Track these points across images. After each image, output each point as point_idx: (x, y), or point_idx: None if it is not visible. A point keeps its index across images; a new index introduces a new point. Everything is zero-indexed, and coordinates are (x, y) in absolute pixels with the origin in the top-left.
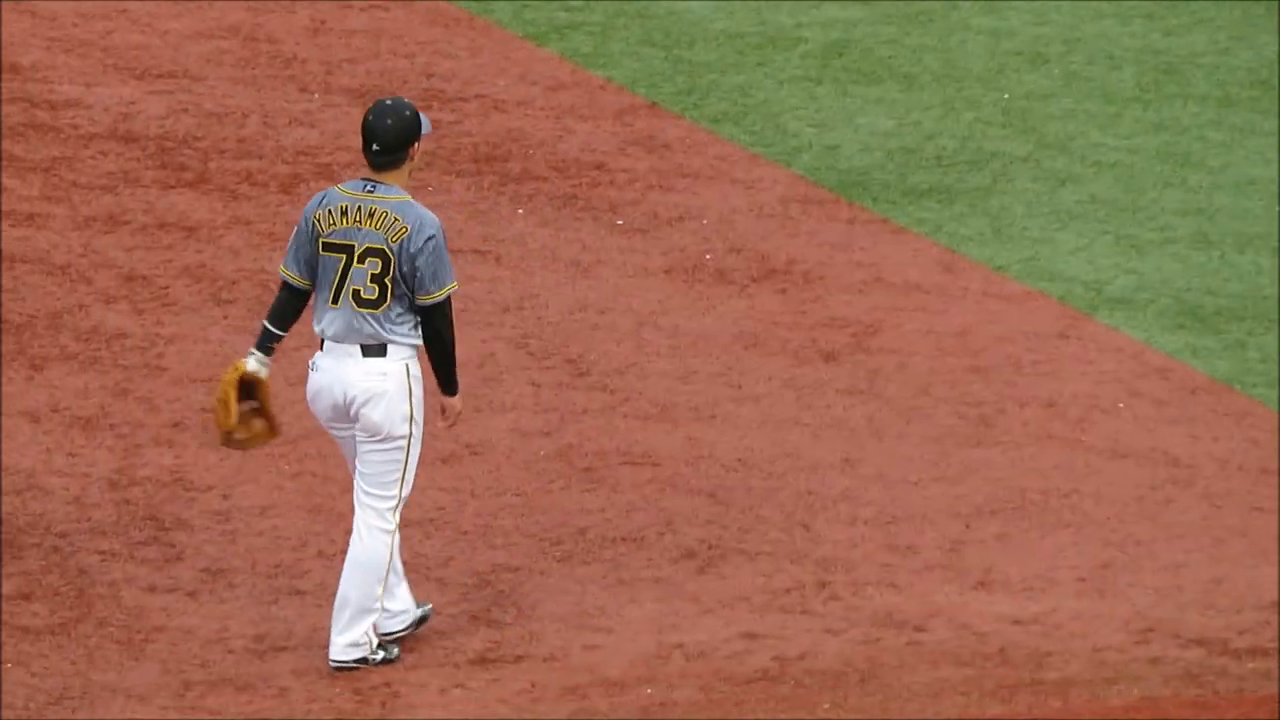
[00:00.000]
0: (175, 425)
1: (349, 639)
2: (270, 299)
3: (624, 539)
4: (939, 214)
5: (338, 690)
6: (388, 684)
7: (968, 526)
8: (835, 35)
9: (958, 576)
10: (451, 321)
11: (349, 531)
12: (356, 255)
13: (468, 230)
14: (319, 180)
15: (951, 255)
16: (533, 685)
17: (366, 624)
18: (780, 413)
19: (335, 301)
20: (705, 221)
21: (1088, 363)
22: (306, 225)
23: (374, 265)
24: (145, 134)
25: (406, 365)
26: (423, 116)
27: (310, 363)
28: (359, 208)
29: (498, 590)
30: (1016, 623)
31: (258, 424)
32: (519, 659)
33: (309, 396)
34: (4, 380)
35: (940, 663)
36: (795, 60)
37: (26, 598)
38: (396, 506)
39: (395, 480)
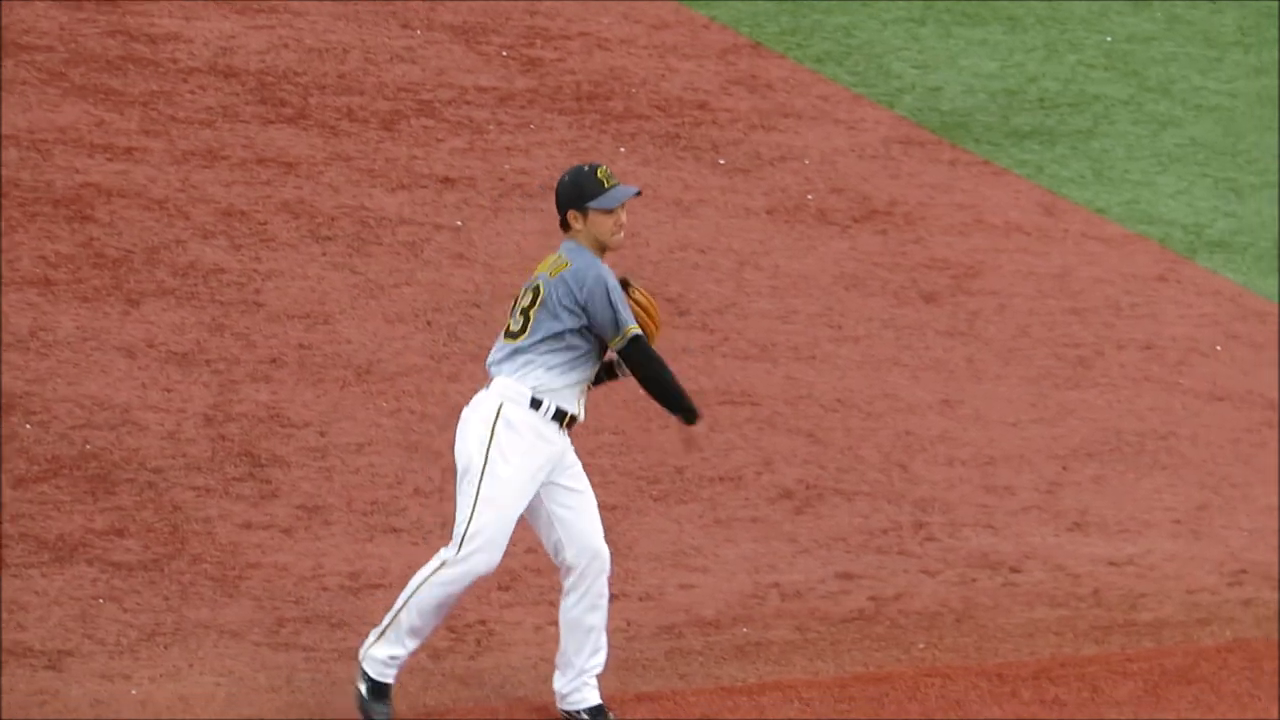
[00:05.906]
0: (272, 361)
1: (366, 647)
2: (369, 235)
3: (722, 478)
4: (1040, 156)
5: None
6: (483, 622)
7: (1065, 468)
8: None
9: (1054, 518)
10: (652, 358)
11: (446, 470)
12: (521, 293)
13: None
14: (420, 117)
15: (1052, 197)
16: (628, 624)
17: (373, 642)
18: (880, 353)
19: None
20: (807, 162)
21: (1186, 305)
22: None
23: (526, 299)
24: (245, 69)
25: (500, 405)
26: (619, 188)
27: None
28: (545, 261)
29: None
30: (1111, 564)
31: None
32: (615, 597)
33: None
34: (100, 314)
35: (1035, 604)
36: (899, 1)
37: (120, 533)
38: (461, 540)
39: (466, 511)
